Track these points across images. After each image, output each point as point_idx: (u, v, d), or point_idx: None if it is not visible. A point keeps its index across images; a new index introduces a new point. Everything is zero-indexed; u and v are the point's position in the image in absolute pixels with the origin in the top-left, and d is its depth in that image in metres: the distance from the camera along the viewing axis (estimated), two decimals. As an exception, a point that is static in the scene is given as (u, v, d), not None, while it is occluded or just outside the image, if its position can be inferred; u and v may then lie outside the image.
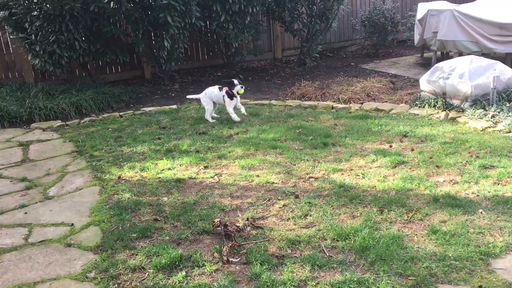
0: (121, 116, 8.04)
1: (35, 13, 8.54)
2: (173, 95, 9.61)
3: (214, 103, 7.48)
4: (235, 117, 7.27)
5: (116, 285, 3.43)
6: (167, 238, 4.02)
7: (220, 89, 7.27)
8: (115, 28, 9.40)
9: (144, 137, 6.73)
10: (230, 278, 3.41)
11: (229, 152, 5.97)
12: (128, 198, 4.79)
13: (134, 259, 3.72)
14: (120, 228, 4.21)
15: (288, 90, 9.30)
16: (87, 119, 7.94)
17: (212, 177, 5.25)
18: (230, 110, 7.25)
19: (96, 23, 9.19)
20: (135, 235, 4.07)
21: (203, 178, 5.25)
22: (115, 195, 4.89)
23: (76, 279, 3.53)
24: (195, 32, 10.88)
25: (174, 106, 8.49)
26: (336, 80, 9.70)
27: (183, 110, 8.28)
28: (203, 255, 3.74)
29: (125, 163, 5.78)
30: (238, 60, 11.31)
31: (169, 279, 3.46)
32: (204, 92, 7.46)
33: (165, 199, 4.76)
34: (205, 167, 5.55)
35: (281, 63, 12.20)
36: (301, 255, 3.68)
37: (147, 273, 3.54)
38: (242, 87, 7.05)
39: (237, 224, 4.12)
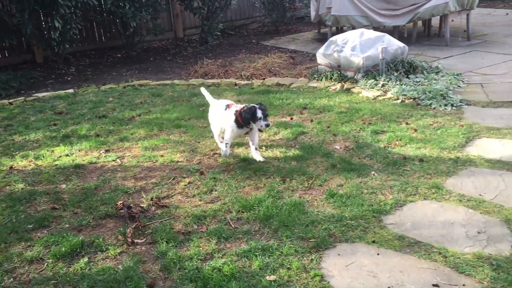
0: (10, 104, 7.46)
1: None
2: (69, 79, 9.09)
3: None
4: (224, 151, 4.94)
5: (12, 279, 3.23)
6: (67, 226, 3.85)
7: (226, 107, 4.94)
8: (-3, 8, 8.63)
9: (38, 124, 6.32)
10: (135, 259, 3.36)
11: (132, 134, 5.82)
12: (22, 189, 4.50)
13: (31, 251, 3.52)
14: (14, 220, 3.95)
15: (191, 69, 9.21)
16: (-29, 108, 7.27)
17: (114, 160, 5.09)
18: (227, 136, 4.90)
19: (-27, 3, 8.37)
20: (31, 226, 3.85)
21: (104, 162, 5.07)
22: (7, 187, 4.57)
23: (-35, 279, 3.27)
24: (90, 12, 10.33)
25: (71, 90, 8.03)
26: (239, 57, 9.77)
27: (81, 94, 7.87)
28: (107, 239, 3.64)
29: (17, 152, 5.40)
30: (138, 40, 10.95)
31: (70, 267, 3.32)
32: (215, 102, 5.20)
33: (64, 186, 4.54)
34: (107, 151, 5.36)
35: (183, 43, 12.00)
36: (207, 229, 3.71)
37: (45, 264, 3.37)
38: (267, 125, 4.64)
39: (142, 205, 4.06)
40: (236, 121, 4.75)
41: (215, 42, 11.60)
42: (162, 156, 5.14)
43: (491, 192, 4.03)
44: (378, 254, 3.35)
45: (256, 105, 4.65)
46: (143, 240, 3.62)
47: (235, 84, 7.93)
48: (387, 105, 6.30)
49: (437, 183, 4.20)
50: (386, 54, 7.07)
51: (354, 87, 7.04)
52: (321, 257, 3.34)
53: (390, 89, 6.64)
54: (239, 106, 4.83)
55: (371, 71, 7.16)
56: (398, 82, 6.80)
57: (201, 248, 3.47)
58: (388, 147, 5.01)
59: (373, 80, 6.97)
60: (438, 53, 8.76)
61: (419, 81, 6.86)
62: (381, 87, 6.76)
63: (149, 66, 9.81)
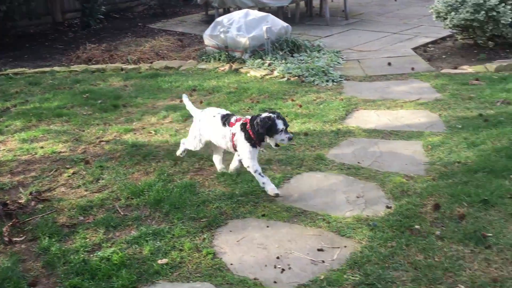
0: None
1: None
2: None
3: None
4: (271, 187, 3.73)
5: None
6: None
7: (225, 121, 3.90)
8: None
9: None
10: (14, 259, 3.13)
11: (6, 127, 5.39)
12: None
13: None
14: None
15: (73, 55, 8.69)
16: None
17: (-14, 156, 4.67)
18: (250, 163, 3.78)
19: None
20: None
21: (-25, 158, 4.63)
22: None
23: None
24: None
25: None
26: (124, 41, 9.42)
27: None
28: (-20, 241, 3.34)
29: None
30: (11, 25, 10.03)
31: None
32: (201, 113, 4.18)
33: None
34: (-23, 147, 4.90)
35: (63, 27, 11.24)
36: (94, 219, 3.57)
37: None
38: (291, 138, 3.76)
39: (20, 201, 3.79)
40: (248, 138, 3.75)
41: (99, 26, 11.03)
42: (42, 147, 4.82)
43: (368, 159, 4.34)
44: (267, 226, 3.46)
45: (271, 114, 3.67)
46: (23, 237, 3.38)
47: (122, 69, 7.63)
48: (274, 83, 6.47)
49: (320, 154, 4.43)
50: (270, 33, 7.24)
51: (242, 67, 7.13)
52: (213, 235, 3.37)
53: (276, 68, 6.82)
54: (242, 118, 3.85)
55: (258, 51, 7.30)
56: (283, 61, 7.01)
57: (88, 240, 3.33)
58: (275, 123, 5.16)
59: (260, 59, 7.11)
60: (320, 32, 9.17)
61: (303, 59, 7.14)
62: (268, 66, 6.93)
63: (25, 53, 9.07)
